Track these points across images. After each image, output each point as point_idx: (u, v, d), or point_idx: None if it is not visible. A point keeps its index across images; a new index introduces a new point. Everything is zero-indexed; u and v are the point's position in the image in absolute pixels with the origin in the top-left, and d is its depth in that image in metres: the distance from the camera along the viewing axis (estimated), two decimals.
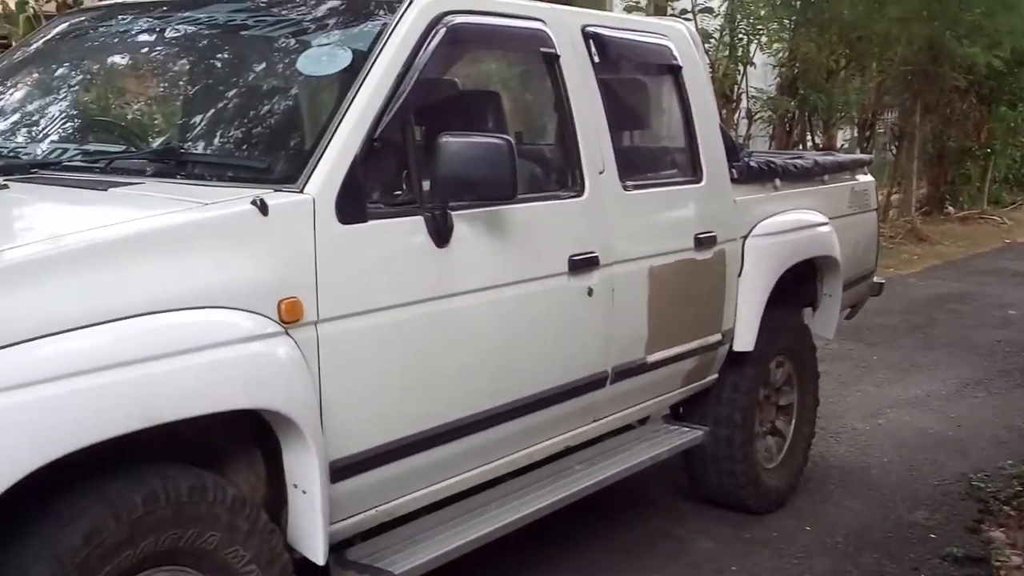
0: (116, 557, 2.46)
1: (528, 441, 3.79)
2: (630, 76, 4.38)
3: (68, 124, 3.83)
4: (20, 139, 3.70)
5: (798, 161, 5.45)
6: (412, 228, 3.21)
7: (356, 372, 3.04)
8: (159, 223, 2.73)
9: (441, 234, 3.26)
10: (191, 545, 2.62)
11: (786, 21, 15.21)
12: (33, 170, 3.24)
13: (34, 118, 3.86)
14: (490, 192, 3.27)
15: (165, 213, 2.77)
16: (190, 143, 3.50)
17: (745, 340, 4.82)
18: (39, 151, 3.50)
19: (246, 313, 2.74)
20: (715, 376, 4.84)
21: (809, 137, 16.42)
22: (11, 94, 3.99)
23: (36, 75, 4.13)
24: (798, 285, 5.23)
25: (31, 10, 11.36)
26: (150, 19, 3.94)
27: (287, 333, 2.82)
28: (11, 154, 3.43)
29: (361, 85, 3.17)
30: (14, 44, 10.65)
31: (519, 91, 4.11)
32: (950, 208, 18.91)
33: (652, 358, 4.28)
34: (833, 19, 14.51)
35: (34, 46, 4.27)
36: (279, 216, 2.87)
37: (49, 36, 4.28)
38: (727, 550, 4.79)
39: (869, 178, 6.01)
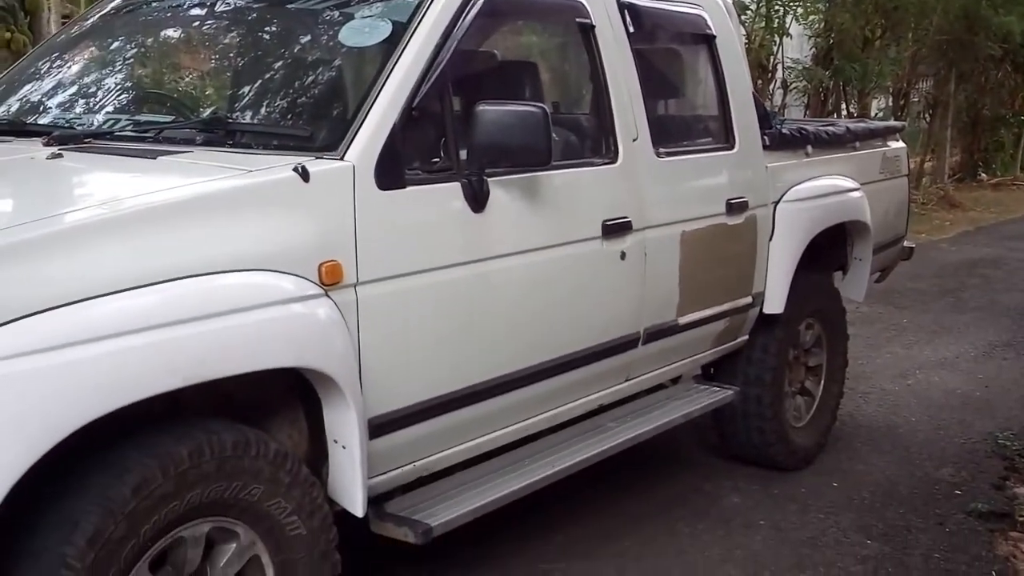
0: (163, 508, 2.46)
1: (562, 399, 3.76)
2: (664, 46, 4.30)
3: (120, 96, 3.83)
4: (75, 111, 3.69)
5: (830, 128, 5.34)
6: (449, 194, 3.18)
7: (394, 332, 3.02)
8: (205, 189, 2.72)
9: (478, 199, 3.22)
10: (235, 497, 2.63)
11: None
12: (86, 140, 3.23)
13: (88, 90, 3.86)
14: (525, 159, 3.23)
15: (211, 180, 2.76)
16: (237, 113, 3.49)
17: (775, 303, 4.75)
18: (93, 122, 3.50)
19: (288, 275, 2.73)
20: (745, 337, 4.78)
21: (844, 107, 16.19)
22: (67, 67, 3.99)
23: (91, 49, 4.12)
24: (828, 249, 5.15)
25: None
26: None
27: (327, 295, 2.80)
28: (66, 124, 3.42)
29: (400, 55, 3.13)
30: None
31: (555, 61, 4.06)
32: (983, 175, 18.63)
33: (683, 320, 4.23)
34: None
35: (90, 21, 4.26)
36: (320, 182, 2.85)
37: (104, 11, 4.27)
38: (756, 505, 4.75)
39: (901, 144, 5.90)
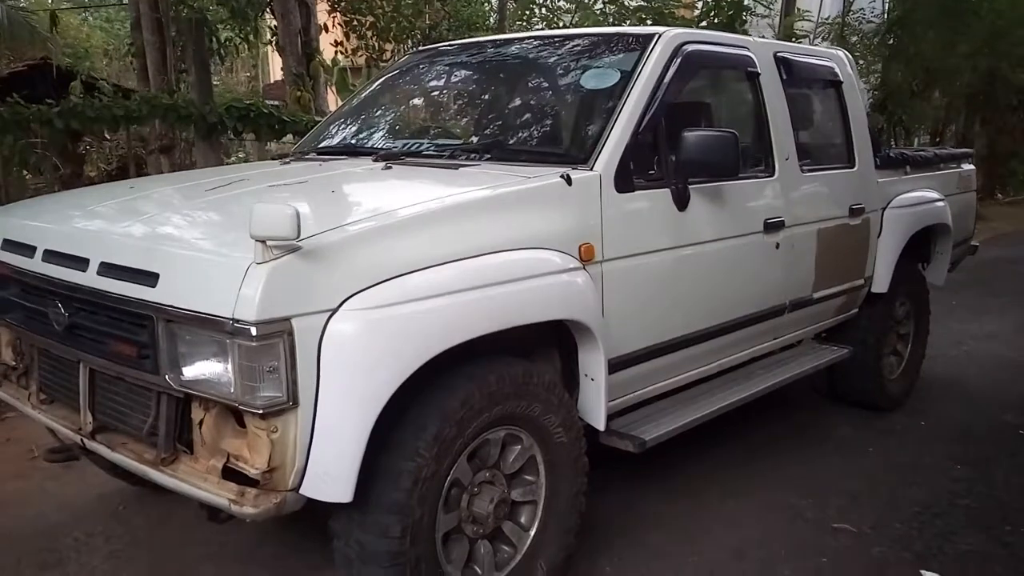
0: (478, 418, 2.50)
1: (731, 351, 3.69)
2: (806, 89, 4.17)
3: (422, 127, 3.89)
4: (388, 138, 3.76)
5: (922, 153, 5.12)
6: (663, 197, 3.14)
7: (626, 297, 2.99)
8: (502, 190, 2.74)
9: (682, 201, 3.18)
10: (522, 412, 2.65)
11: (878, 56, 14.38)
12: (402, 157, 3.29)
13: (395, 124, 3.94)
14: (720, 171, 3.18)
15: (504, 184, 2.78)
16: (510, 137, 3.50)
17: (881, 284, 4.57)
18: (404, 145, 3.54)
19: (559, 253, 2.73)
20: (856, 310, 4.61)
21: (893, 143, 15.53)
22: (375, 110, 4.08)
23: (390, 96, 4.19)
24: (918, 245, 4.92)
25: (341, 62, 11.68)
26: (474, 54, 3.96)
27: (584, 268, 2.80)
28: (384, 148, 3.48)
29: (628, 95, 3.12)
30: (330, 89, 10.90)
31: (731, 99, 3.96)
32: (999, 195, 17.63)
33: (816, 295, 4.10)
34: (915, 55, 13.61)
35: (387, 76, 4.33)
36: (579, 186, 2.85)
37: (396, 70, 4.35)
38: (863, 436, 4.58)
39: (971, 167, 5.60)
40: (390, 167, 3.12)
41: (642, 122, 3.08)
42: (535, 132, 3.43)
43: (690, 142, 3.07)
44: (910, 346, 5.11)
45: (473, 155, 3.22)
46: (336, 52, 11.83)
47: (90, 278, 2.44)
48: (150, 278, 2.27)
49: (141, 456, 2.49)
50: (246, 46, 11.60)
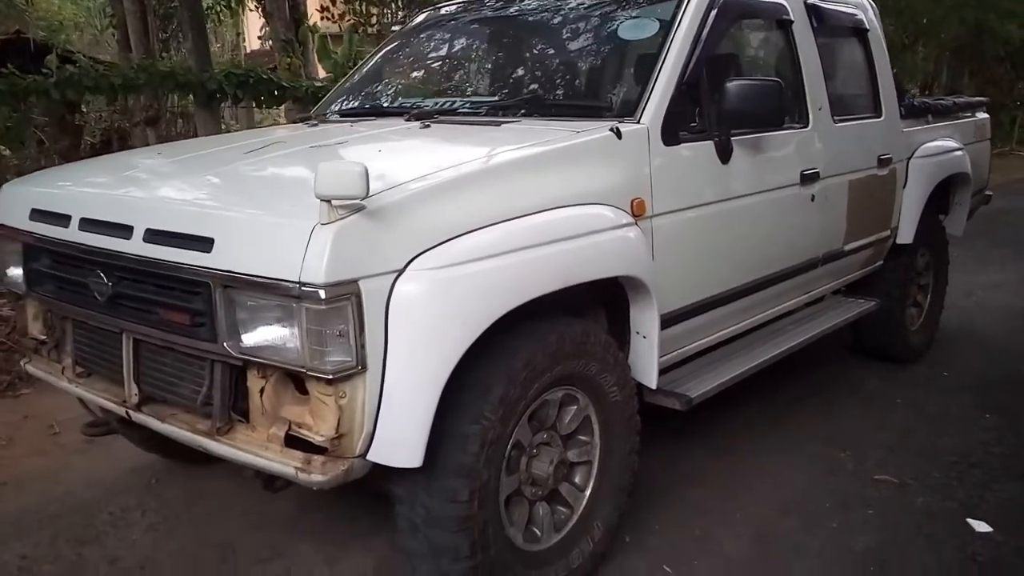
0: (540, 379, 2.45)
1: (769, 305, 3.65)
2: (835, 37, 4.09)
3: (450, 86, 3.79)
4: (416, 99, 3.64)
5: (942, 101, 5.08)
6: (707, 150, 3.08)
7: (675, 253, 2.94)
8: (555, 145, 2.66)
9: (725, 153, 3.11)
10: (580, 372, 2.60)
11: None
12: (436, 116, 3.20)
13: (423, 85, 3.83)
14: (765, 121, 3.12)
15: (554, 140, 2.69)
16: (547, 93, 3.40)
17: (906, 235, 4.55)
18: (434, 104, 3.43)
19: (612, 208, 2.67)
20: (881, 262, 4.59)
21: None
22: (398, 70, 3.96)
23: (415, 54, 4.07)
24: (937, 196, 4.88)
25: (321, 29, 11.43)
26: (499, 8, 3.85)
27: (636, 224, 2.74)
28: (415, 108, 3.38)
29: (671, 44, 3.04)
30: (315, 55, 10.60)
31: (765, 49, 3.88)
32: None
33: (847, 247, 4.07)
34: (906, 7, 13.56)
35: (405, 35, 4.19)
36: (628, 139, 2.78)
37: (414, 28, 4.20)
38: (891, 387, 4.58)
39: (985, 115, 5.57)
40: (428, 125, 3.03)
41: (685, 72, 3.00)
42: (573, 86, 3.34)
43: (733, 92, 2.99)
44: (930, 297, 5.11)
45: (509, 112, 3.13)
46: (322, 17, 11.61)
47: (135, 245, 2.35)
48: (204, 243, 2.19)
49: (194, 426, 2.42)
50: (228, 13, 11.35)
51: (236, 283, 2.14)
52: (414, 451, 2.17)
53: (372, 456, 2.19)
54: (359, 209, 2.06)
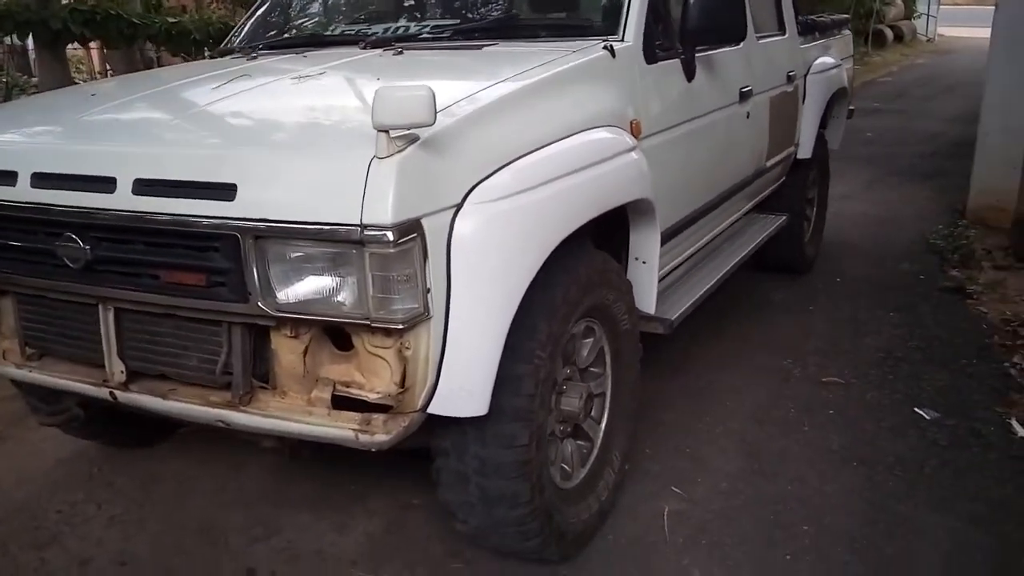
0: (574, 311, 2.37)
1: (717, 221, 3.72)
2: None
3: (394, 10, 3.50)
4: (362, 26, 3.36)
5: (823, 18, 5.29)
6: (675, 68, 3.04)
7: (662, 174, 2.87)
8: (566, 65, 2.51)
9: (690, 72, 3.09)
10: (600, 302, 2.52)
11: None
12: (394, 44, 2.95)
13: (361, 10, 3.53)
14: (728, 36, 3.12)
15: (556, 61, 2.54)
16: (518, 12, 3.23)
17: (806, 150, 4.74)
18: (387, 31, 3.17)
19: (620, 130, 2.58)
20: (784, 178, 4.77)
21: None
22: None
23: None
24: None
25: None
26: None
27: (637, 146, 2.67)
28: (362, 35, 3.12)
29: None
30: None
31: None
32: None
33: (769, 163, 4.19)
34: None
35: None
36: (621, 58, 2.70)
37: None
38: (797, 297, 4.81)
39: (849, 32, 5.86)
40: (401, 52, 2.79)
41: None
42: (546, 4, 3.19)
43: (697, 7, 2.95)
44: (816, 210, 5.38)
45: (477, 36, 2.94)
46: None
47: (122, 200, 2.03)
48: (223, 191, 1.91)
49: (207, 399, 2.16)
50: None
51: (272, 233, 1.89)
52: (480, 400, 2.03)
53: (435, 408, 2.03)
54: (415, 140, 1.87)
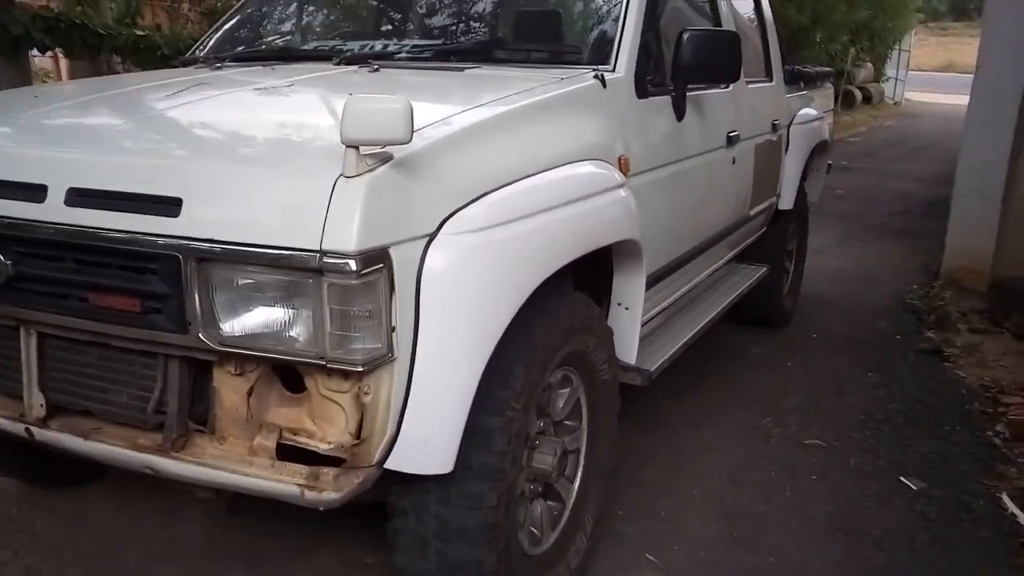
0: (552, 358, 2.16)
1: (700, 269, 3.55)
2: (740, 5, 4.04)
3: (385, 27, 3.30)
4: (336, 41, 3.17)
5: (808, 69, 5.20)
6: (665, 105, 2.88)
7: (649, 215, 2.69)
8: (549, 94, 2.32)
9: (680, 110, 2.93)
10: (581, 350, 2.31)
11: None
12: (369, 61, 2.75)
13: (335, 26, 3.34)
14: (722, 75, 2.96)
15: (542, 88, 2.35)
16: (503, 36, 3.03)
17: (787, 201, 4.62)
18: (367, 48, 2.97)
19: (607, 165, 2.40)
20: (765, 228, 4.63)
21: None
22: (290, 10, 3.43)
23: None
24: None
25: None
26: None
27: (627, 183, 2.48)
28: (337, 52, 2.92)
29: None
30: None
31: (686, 10, 3.71)
32: None
33: (752, 212, 4.05)
34: None
35: None
36: (612, 89, 2.52)
37: None
38: (773, 351, 4.65)
39: (831, 86, 5.80)
40: (377, 69, 2.60)
41: (650, 18, 2.78)
42: (531, 30, 3.00)
43: (691, 43, 2.80)
44: (794, 262, 5.25)
45: (459, 58, 2.75)
46: None
47: (53, 211, 1.79)
48: (167, 205, 1.69)
49: (133, 442, 1.90)
50: None
51: (219, 256, 1.66)
52: (445, 455, 1.80)
53: (393, 463, 1.79)
54: (387, 159, 1.66)
